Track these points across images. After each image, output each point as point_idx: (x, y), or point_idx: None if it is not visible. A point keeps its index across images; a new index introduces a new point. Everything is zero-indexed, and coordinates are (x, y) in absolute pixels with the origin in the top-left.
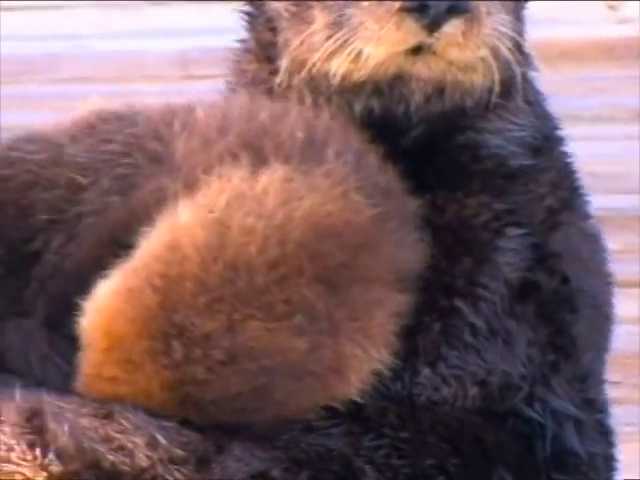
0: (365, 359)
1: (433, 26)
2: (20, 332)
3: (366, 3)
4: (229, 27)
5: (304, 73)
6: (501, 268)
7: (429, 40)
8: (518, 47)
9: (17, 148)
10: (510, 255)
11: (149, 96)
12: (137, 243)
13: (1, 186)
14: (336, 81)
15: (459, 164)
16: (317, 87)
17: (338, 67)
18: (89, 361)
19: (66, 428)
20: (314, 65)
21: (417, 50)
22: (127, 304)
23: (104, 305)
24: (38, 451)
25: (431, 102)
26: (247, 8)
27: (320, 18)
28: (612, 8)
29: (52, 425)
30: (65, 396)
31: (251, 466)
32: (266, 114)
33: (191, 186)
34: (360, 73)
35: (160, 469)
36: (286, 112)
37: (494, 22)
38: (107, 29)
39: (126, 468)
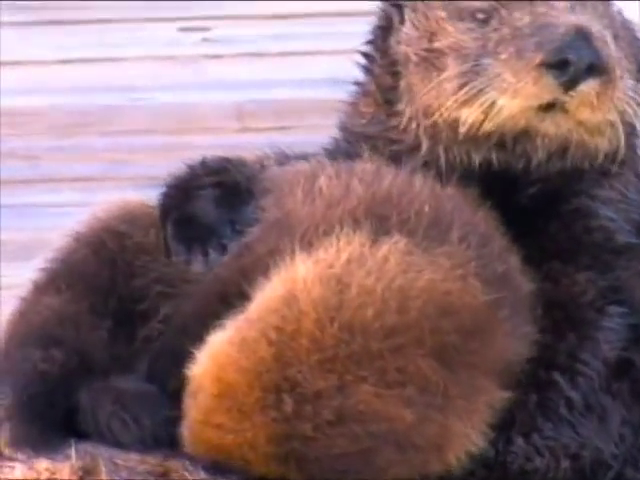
0: (466, 440)
1: (571, 84)
2: (90, 392)
3: (505, 55)
4: (282, 80)
5: (428, 119)
6: (601, 346)
7: (564, 97)
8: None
9: (138, 208)
10: (610, 334)
11: (205, 149)
12: (251, 296)
13: (117, 241)
14: (464, 130)
15: (572, 234)
16: (437, 134)
17: (468, 116)
18: (198, 407)
19: None
20: (442, 112)
21: (549, 107)
22: (241, 354)
23: (218, 353)
24: None
25: (552, 160)
26: (367, 49)
27: (453, 66)
28: None
29: None
30: (124, 452)
31: None
32: (390, 182)
33: (309, 245)
34: (490, 124)
35: None
36: (411, 182)
37: (625, 86)
38: (164, 82)
39: None
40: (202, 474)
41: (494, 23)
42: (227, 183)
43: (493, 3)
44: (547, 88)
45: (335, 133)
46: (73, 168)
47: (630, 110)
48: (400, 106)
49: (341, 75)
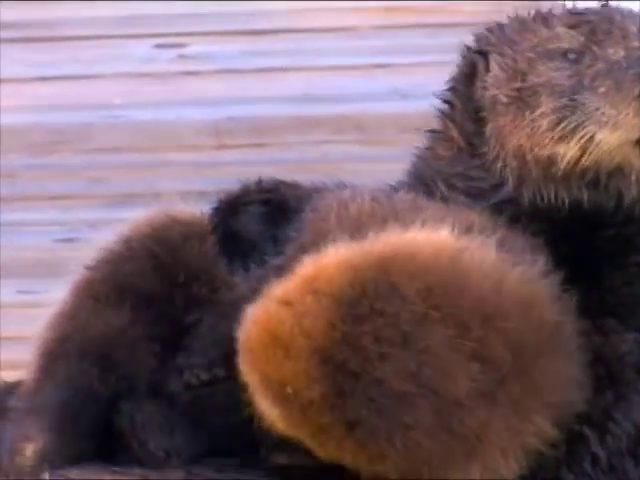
0: (498, 458)
1: None
2: (133, 416)
3: (603, 88)
4: (258, 96)
5: (518, 159)
6: (636, 409)
7: None
8: None
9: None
10: None
11: (182, 166)
12: None
13: (172, 254)
14: (562, 166)
15: (634, 291)
16: (526, 174)
17: (566, 152)
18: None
19: None
20: (535, 150)
21: None
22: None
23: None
24: None
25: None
26: (448, 96)
27: (548, 102)
28: None
29: None
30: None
31: None
32: (429, 214)
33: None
34: (589, 159)
35: None
36: (443, 210)
37: None
38: (140, 99)
39: None
40: None
41: (587, 60)
42: (275, 201)
43: (584, 41)
44: None
45: (404, 177)
46: (50, 186)
47: None
48: (485, 148)
49: (317, 91)
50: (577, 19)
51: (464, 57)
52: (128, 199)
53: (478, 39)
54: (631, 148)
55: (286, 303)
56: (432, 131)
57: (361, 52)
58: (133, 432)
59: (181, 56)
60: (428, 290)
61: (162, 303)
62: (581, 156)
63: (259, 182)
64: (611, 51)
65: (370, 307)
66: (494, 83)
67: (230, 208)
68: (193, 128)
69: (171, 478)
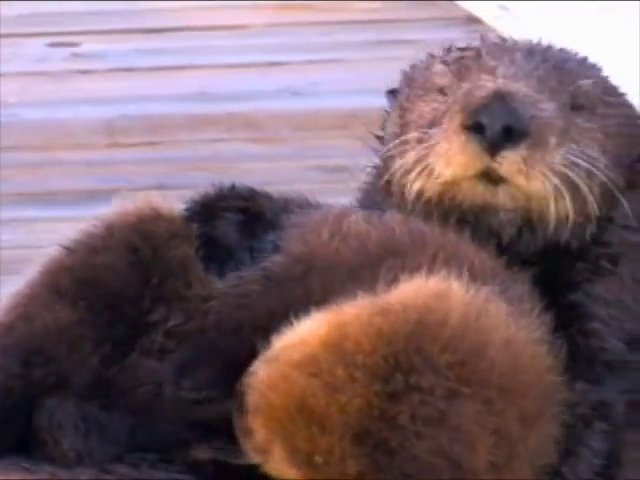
0: None
1: (493, 148)
2: (48, 411)
3: (444, 124)
4: (152, 95)
5: (399, 191)
6: (581, 465)
7: (493, 164)
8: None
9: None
10: (591, 455)
11: (75, 165)
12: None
13: (151, 249)
14: (411, 197)
15: (569, 333)
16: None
17: (412, 183)
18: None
19: None
20: (399, 181)
21: (491, 178)
22: (377, 319)
23: (318, 330)
24: None
25: (524, 235)
26: (379, 133)
27: (412, 135)
28: None
29: None
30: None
31: None
32: (435, 238)
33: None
34: (430, 191)
35: None
36: (446, 232)
37: (567, 152)
38: (33, 97)
39: None
40: None
41: (449, 94)
42: (252, 210)
43: (452, 78)
44: (473, 154)
45: (360, 190)
46: None
47: (578, 179)
48: (389, 178)
49: (210, 90)
50: (456, 55)
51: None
52: (20, 198)
53: (399, 80)
54: (482, 187)
55: (314, 374)
56: (373, 166)
57: (254, 50)
58: (49, 430)
59: (74, 55)
60: (459, 364)
61: (127, 302)
62: (425, 187)
63: (233, 187)
64: (463, 85)
65: (405, 382)
66: (391, 120)
67: (207, 212)
68: (86, 127)
69: (81, 478)
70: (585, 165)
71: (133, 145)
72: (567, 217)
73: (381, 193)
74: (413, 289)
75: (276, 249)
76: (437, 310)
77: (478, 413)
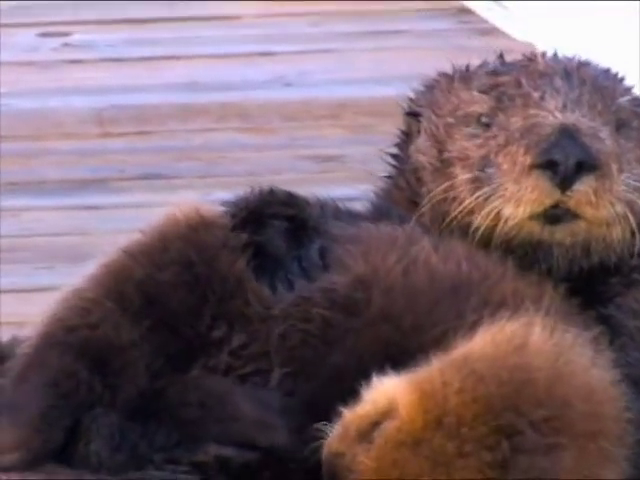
0: None
1: (565, 183)
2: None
3: (504, 163)
4: (142, 85)
5: (445, 223)
6: None
7: (563, 198)
8: None
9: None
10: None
11: (66, 154)
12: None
13: (207, 264)
14: (477, 236)
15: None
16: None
17: (479, 223)
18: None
19: None
20: (455, 218)
21: (555, 217)
22: (469, 385)
23: (422, 386)
24: None
25: (576, 261)
26: (395, 151)
27: (462, 174)
28: None
29: None
30: None
31: None
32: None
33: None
34: (501, 232)
35: None
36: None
37: (629, 177)
38: (23, 87)
39: None
40: None
41: (495, 128)
42: (299, 218)
43: (493, 106)
44: (545, 191)
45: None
46: None
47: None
48: (424, 208)
49: (201, 80)
50: (491, 81)
51: (404, 117)
52: (11, 187)
53: (413, 99)
54: (541, 225)
55: (425, 456)
56: (388, 177)
57: (246, 40)
58: (87, 430)
59: (65, 45)
60: (553, 417)
61: (185, 322)
62: (494, 227)
63: (272, 192)
64: (512, 120)
65: (511, 447)
66: (422, 149)
67: (254, 219)
68: (77, 116)
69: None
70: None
71: (124, 135)
72: (630, 238)
73: (400, 206)
74: (494, 341)
75: (323, 259)
76: (526, 365)
77: (574, 462)
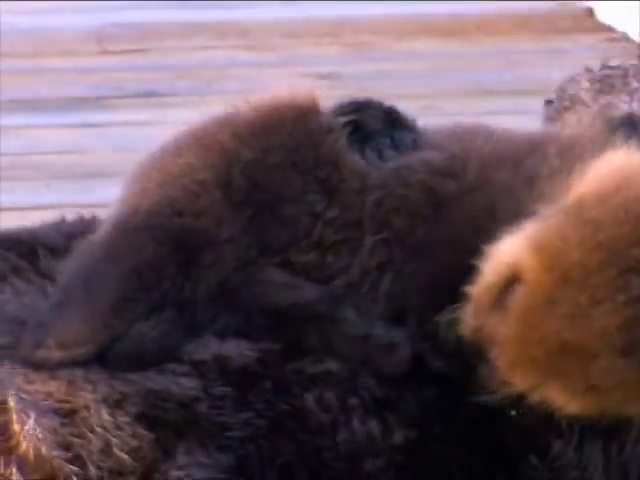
0: None
1: None
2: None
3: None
4: (140, 2)
5: None
6: None
7: None
8: None
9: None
10: None
11: (65, 72)
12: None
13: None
14: None
15: None
16: None
17: None
18: (519, 307)
19: (29, 431)
20: None
21: None
22: (587, 234)
23: (541, 242)
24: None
25: None
26: None
27: None
28: None
29: (16, 427)
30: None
31: (190, 478)
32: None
33: None
34: None
35: None
36: None
37: None
38: (23, 6)
39: None
40: (104, 409)
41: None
42: (395, 110)
43: (597, 94)
44: None
45: None
46: None
47: None
48: None
49: None
50: (604, 72)
51: None
52: (11, 105)
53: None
54: None
55: (562, 314)
56: None
57: None
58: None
59: None
60: None
61: (290, 202)
62: None
63: (370, 101)
64: (600, 102)
65: None
66: None
67: (353, 107)
68: (75, 34)
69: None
70: None
71: (122, 52)
72: None
73: None
74: (599, 180)
75: (415, 145)
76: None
77: None
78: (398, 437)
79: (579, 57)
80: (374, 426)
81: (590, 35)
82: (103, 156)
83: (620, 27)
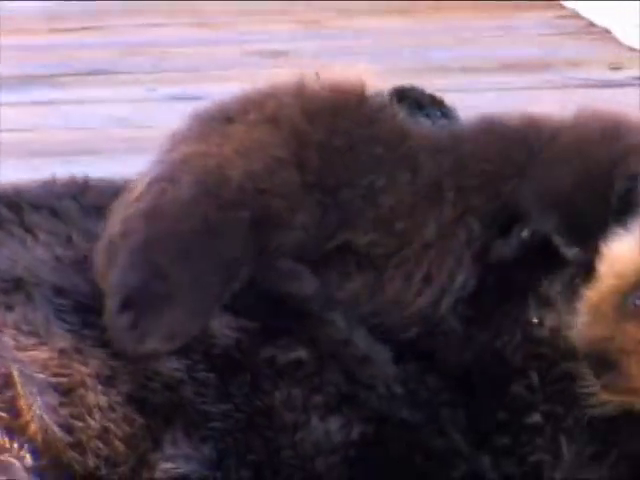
0: None
1: None
2: None
3: None
4: None
5: None
6: None
7: None
8: None
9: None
10: None
11: (15, 50)
12: None
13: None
14: None
15: None
16: None
17: None
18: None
19: (36, 411)
20: None
21: None
22: None
23: None
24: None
25: None
26: None
27: None
28: None
29: (23, 404)
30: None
31: (177, 470)
32: None
33: None
34: None
35: (104, 471)
36: None
37: None
38: None
39: (79, 469)
40: (99, 389)
41: None
42: (434, 95)
43: None
44: None
45: None
46: None
47: None
48: None
49: None
50: None
51: None
52: None
53: None
54: None
55: None
56: None
57: None
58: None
59: None
60: None
61: (347, 190)
62: None
63: None
64: None
65: None
66: None
67: (399, 91)
68: (24, 13)
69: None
70: None
71: (71, 30)
72: None
73: None
74: None
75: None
76: None
77: None
78: (355, 432)
79: (530, 34)
80: (332, 423)
81: (540, 12)
82: (54, 134)
83: (570, 4)
